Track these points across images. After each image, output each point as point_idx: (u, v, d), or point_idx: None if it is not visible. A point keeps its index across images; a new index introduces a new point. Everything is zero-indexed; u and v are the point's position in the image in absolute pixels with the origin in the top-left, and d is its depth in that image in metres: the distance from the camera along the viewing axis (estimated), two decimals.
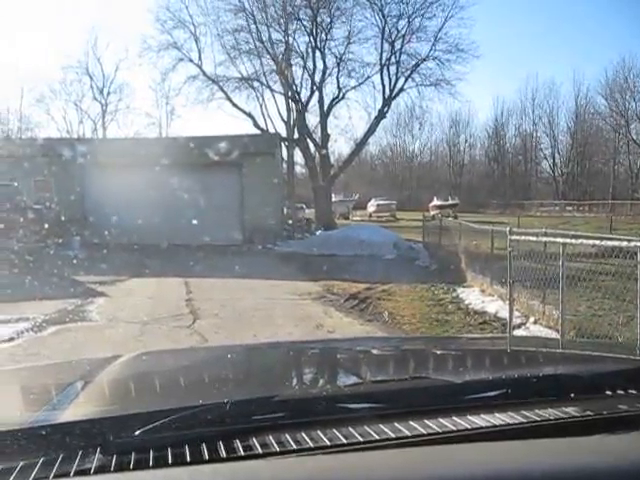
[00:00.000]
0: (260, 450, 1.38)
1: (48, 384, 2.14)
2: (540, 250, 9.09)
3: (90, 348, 8.52)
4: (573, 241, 7.67)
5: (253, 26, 33.65)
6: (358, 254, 20.13)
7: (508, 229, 9.13)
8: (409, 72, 34.66)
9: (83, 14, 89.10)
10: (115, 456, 1.34)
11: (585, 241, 7.64)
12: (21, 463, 1.32)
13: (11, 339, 9.02)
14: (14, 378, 2.47)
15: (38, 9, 76.41)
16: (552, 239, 8.52)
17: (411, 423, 1.49)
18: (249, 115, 34.73)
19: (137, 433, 1.40)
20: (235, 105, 34.78)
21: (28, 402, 1.89)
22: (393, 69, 34.69)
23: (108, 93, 55.95)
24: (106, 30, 61.92)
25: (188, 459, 1.34)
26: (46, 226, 18.79)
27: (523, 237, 9.15)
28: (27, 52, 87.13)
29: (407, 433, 1.45)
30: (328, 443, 1.41)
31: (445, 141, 76.38)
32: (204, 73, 34.74)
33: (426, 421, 1.51)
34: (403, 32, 34.01)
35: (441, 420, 1.52)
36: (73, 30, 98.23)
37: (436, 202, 50.47)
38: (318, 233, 27.34)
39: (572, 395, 1.71)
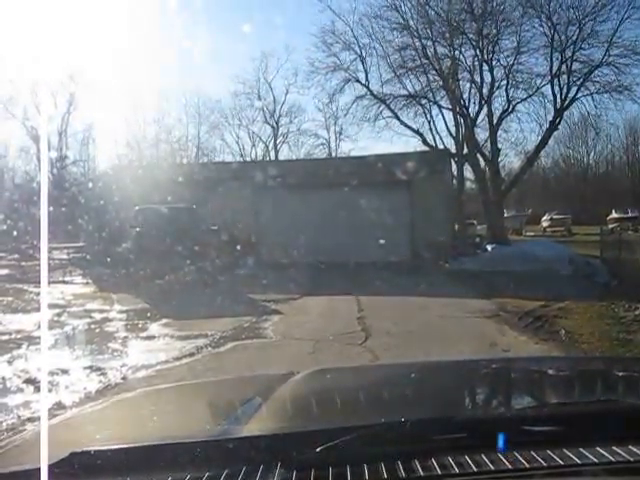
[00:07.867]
0: (439, 472, 1.35)
1: (229, 398, 2.22)
2: None
3: (265, 364, 8.79)
4: None
5: (418, 43, 33.63)
6: (532, 270, 19.48)
7: None
8: (581, 80, 33.31)
9: (254, 41, 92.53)
10: (295, 471, 1.36)
11: None
12: (207, 474, 1.37)
13: (192, 354, 9.49)
14: (198, 392, 2.58)
15: (210, 42, 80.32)
16: None
17: (598, 449, 1.40)
18: (417, 132, 34.73)
19: (318, 450, 1.40)
20: (403, 123, 34.89)
21: (213, 415, 1.97)
22: (564, 78, 33.47)
23: (279, 116, 57.62)
24: (276, 56, 63.83)
25: (367, 478, 1.34)
26: (223, 247, 19.59)
27: None
28: (203, 81, 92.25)
29: (594, 460, 1.37)
30: (510, 467, 1.35)
31: (622, 149, 72.45)
32: (371, 92, 35.07)
33: (614, 448, 1.41)
34: (574, 39, 32.72)
35: (632, 448, 1.42)
36: (244, 58, 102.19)
37: (614, 215, 48.14)
38: (490, 249, 26.76)
39: None
